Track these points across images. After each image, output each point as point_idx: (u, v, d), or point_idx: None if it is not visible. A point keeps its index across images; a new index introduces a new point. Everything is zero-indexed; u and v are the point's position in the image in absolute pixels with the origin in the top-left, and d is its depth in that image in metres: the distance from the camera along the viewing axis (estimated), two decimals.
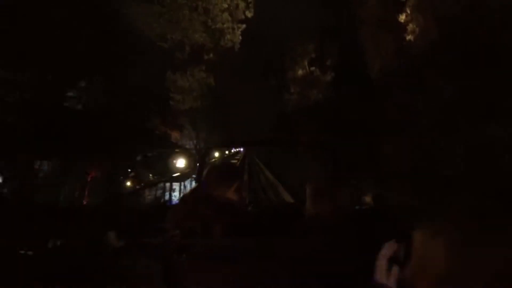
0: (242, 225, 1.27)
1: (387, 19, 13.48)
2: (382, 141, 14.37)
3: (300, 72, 16.64)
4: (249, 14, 9.66)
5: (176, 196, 11.00)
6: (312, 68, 16.41)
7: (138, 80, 8.79)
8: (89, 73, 8.35)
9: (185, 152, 15.85)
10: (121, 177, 12.73)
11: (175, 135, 15.60)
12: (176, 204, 1.50)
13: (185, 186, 12.39)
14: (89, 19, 6.97)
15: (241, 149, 35.82)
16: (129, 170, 13.31)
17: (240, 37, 8.94)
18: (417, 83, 12.59)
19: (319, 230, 1.20)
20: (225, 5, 8.21)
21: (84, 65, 8.19)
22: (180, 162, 12.92)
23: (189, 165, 14.39)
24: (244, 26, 9.01)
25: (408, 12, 11.06)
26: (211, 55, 8.77)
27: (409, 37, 11.68)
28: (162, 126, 12.32)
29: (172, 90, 9.33)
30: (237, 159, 22.35)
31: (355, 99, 15.10)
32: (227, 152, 20.22)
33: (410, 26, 11.37)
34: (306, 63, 16.63)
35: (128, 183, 13.21)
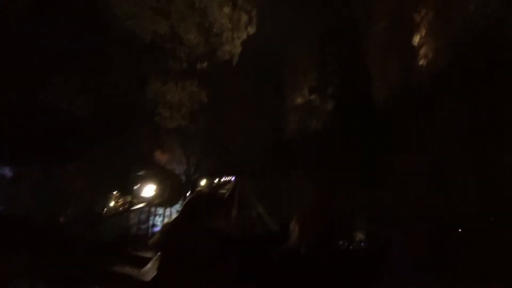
0: (224, 251, 1.26)
1: (396, 46, 12.68)
2: (385, 178, 13.06)
3: (299, 100, 15.55)
4: (251, 31, 8.63)
5: (159, 221, 10.26)
6: (312, 97, 15.35)
7: (120, 88, 7.45)
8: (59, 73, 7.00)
9: (171, 176, 14.34)
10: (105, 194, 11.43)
11: (162, 158, 14.11)
12: (161, 229, 1.15)
13: (170, 213, 11.45)
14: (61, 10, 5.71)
15: (232, 178, 34.10)
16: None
17: (240, 49, 7.77)
18: (427, 114, 11.51)
19: (293, 259, 1.34)
20: (226, 10, 7.04)
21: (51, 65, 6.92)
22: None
23: (175, 191, 13.00)
24: (245, 36, 7.85)
25: (422, 34, 10.11)
26: (205, 64, 7.52)
27: (421, 62, 10.70)
28: (146, 146, 10.84)
29: (160, 105, 7.95)
30: (227, 189, 20.68)
31: (358, 129, 13.96)
32: (216, 181, 18.74)
33: (423, 50, 10.43)
34: (306, 90, 15.60)
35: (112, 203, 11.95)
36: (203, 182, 12.05)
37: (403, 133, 12.32)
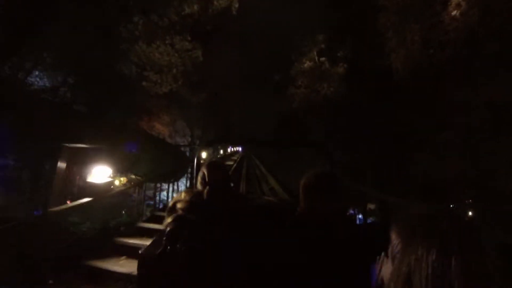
0: (237, 220, 1.25)
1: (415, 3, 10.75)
2: (401, 147, 11.52)
3: (308, 64, 13.81)
4: None
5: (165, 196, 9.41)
6: (322, 59, 13.59)
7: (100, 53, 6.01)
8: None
9: (174, 149, 13.17)
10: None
11: (162, 130, 12.83)
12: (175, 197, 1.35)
13: (178, 187, 10.46)
14: None
15: (239, 149, 32.99)
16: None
17: None
18: (452, 79, 9.75)
19: (307, 226, 1.16)
20: None
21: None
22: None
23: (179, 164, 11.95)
24: None
25: None
26: (196, 7, 5.87)
27: (454, 13, 8.91)
28: (142, 119, 9.48)
29: (147, 68, 6.45)
30: (234, 160, 19.45)
31: (372, 96, 12.28)
32: (221, 151, 17.40)
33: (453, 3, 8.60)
34: (315, 53, 13.82)
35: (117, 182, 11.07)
36: (204, 154, 10.72)
37: (424, 102, 10.62)
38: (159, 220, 4.86)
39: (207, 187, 1.39)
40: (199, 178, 1.50)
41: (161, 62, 6.27)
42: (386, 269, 0.79)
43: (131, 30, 6.36)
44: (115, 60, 6.90)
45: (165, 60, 6.27)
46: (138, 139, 8.54)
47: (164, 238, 1.21)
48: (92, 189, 2.94)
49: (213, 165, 1.53)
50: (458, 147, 8.96)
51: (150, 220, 5.33)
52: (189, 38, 6.45)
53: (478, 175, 8.85)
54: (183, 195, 1.35)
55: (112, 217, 7.45)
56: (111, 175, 3.17)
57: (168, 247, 1.18)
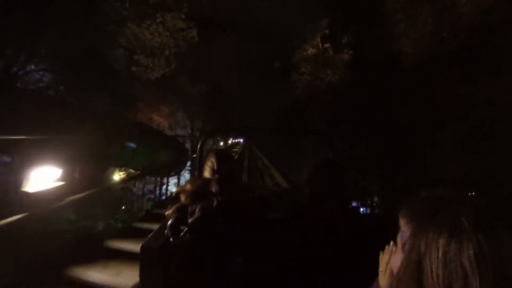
0: (240, 213, 1.22)
1: None
2: (402, 145, 10.79)
3: (311, 50, 13.02)
4: None
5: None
6: (326, 45, 12.80)
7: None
8: None
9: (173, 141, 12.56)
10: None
11: (161, 122, 12.19)
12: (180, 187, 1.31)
13: (179, 180, 9.98)
14: None
15: (241, 141, 32.43)
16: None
17: None
18: (455, 73, 8.99)
19: (308, 219, 1.15)
20: None
21: None
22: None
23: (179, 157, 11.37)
24: None
25: None
26: None
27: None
28: (139, 110, 8.80)
29: (137, 51, 5.73)
30: (236, 151, 18.90)
31: (375, 90, 11.52)
32: (222, 143, 16.80)
33: None
34: (318, 39, 13.02)
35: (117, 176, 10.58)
36: (204, 146, 10.08)
37: (426, 98, 9.90)
38: (137, 234, 4.03)
39: (215, 178, 1.32)
40: (207, 167, 1.44)
41: (152, 43, 5.55)
42: (395, 257, 0.71)
43: (119, 9, 5.62)
44: (105, 47, 6.23)
45: (156, 41, 5.55)
46: (132, 132, 7.91)
47: (166, 230, 1.17)
48: (28, 200, 2.08)
49: (222, 154, 1.47)
50: (458, 146, 8.44)
51: (124, 233, 3.94)
52: (183, 16, 5.72)
53: (478, 175, 8.41)
54: (187, 185, 1.30)
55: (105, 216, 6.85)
56: (64, 177, 2.32)
57: (170, 239, 1.14)
